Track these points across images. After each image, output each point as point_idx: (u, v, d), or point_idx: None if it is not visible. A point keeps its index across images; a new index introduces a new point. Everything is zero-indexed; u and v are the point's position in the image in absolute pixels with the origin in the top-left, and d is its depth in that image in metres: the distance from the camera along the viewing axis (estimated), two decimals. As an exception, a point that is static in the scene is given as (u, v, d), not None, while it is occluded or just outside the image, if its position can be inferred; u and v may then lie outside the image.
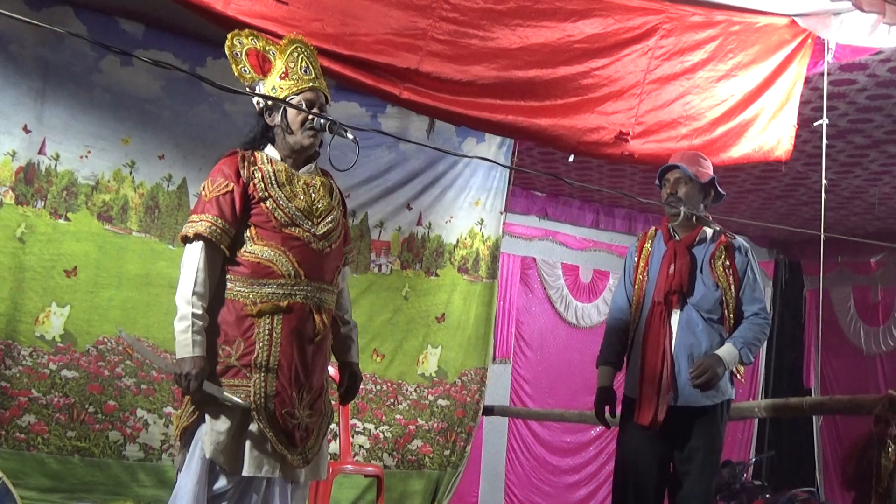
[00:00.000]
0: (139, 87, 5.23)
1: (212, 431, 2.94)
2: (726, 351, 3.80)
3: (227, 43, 3.17)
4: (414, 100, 4.01)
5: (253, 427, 2.97)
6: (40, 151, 4.97)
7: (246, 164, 3.08)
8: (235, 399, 2.94)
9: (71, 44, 4.97)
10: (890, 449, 3.96)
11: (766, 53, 4.66)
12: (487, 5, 4.01)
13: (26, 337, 4.90)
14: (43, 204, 4.97)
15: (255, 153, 3.14)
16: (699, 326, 3.85)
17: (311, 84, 3.17)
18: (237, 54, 3.18)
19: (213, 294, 3.03)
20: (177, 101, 5.33)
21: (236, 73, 3.20)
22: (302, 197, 3.13)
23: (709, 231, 3.97)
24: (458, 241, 6.47)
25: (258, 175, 3.07)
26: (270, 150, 3.19)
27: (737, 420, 8.50)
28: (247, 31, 3.23)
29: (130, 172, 5.23)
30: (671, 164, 4.01)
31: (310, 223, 3.12)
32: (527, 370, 8.63)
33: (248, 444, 2.97)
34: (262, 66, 3.19)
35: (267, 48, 3.19)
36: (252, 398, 2.96)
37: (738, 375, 3.98)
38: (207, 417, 2.96)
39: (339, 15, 3.77)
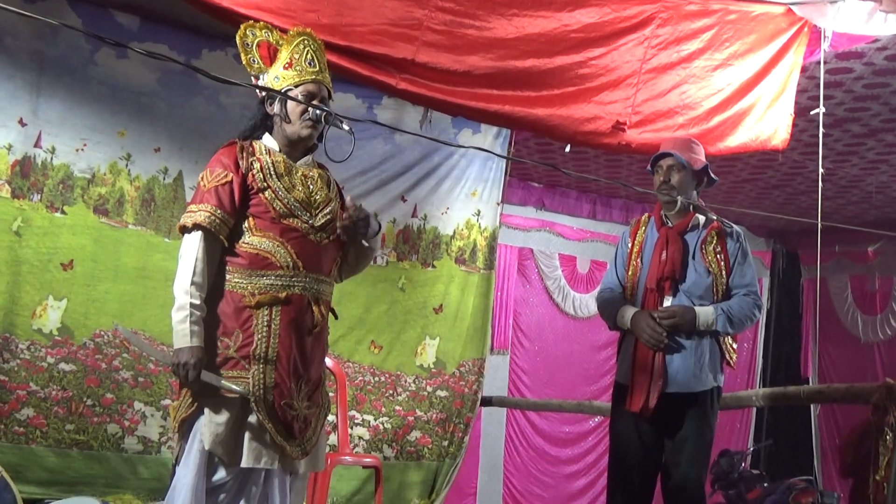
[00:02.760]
0: (135, 79, 5.21)
1: (210, 423, 2.93)
2: (703, 309, 3.82)
3: (240, 32, 3.15)
4: (410, 90, 4.00)
5: (252, 418, 2.97)
6: (36, 145, 4.96)
7: (244, 154, 3.07)
8: (234, 387, 2.94)
9: (66, 36, 4.95)
10: (888, 437, 3.98)
11: (762, 42, 4.65)
12: (483, -6, 4.01)
13: (23, 330, 4.90)
14: (39, 197, 4.96)
15: (254, 143, 3.13)
16: None
17: (313, 76, 3.16)
18: (248, 44, 3.17)
19: (212, 285, 3.02)
20: (172, 94, 5.32)
21: (244, 62, 3.18)
22: (300, 188, 3.12)
23: (701, 217, 3.97)
24: (454, 233, 6.47)
25: (257, 165, 3.06)
26: (268, 140, 3.18)
27: (735, 409, 8.55)
28: (261, 23, 3.21)
29: (126, 165, 5.22)
30: (664, 152, 4.01)
31: (308, 214, 3.11)
32: (525, 361, 8.64)
33: (246, 435, 2.96)
34: (272, 58, 3.18)
35: (280, 42, 3.18)
36: (251, 389, 2.96)
37: (729, 363, 3.98)
38: (206, 409, 2.95)
39: (334, 5, 3.76)
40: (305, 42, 3.16)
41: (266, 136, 3.19)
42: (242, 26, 3.17)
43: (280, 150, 3.17)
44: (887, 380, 4.07)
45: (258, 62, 3.19)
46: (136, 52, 2.71)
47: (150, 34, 5.16)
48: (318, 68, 3.18)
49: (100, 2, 5.02)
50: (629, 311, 3.94)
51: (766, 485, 7.30)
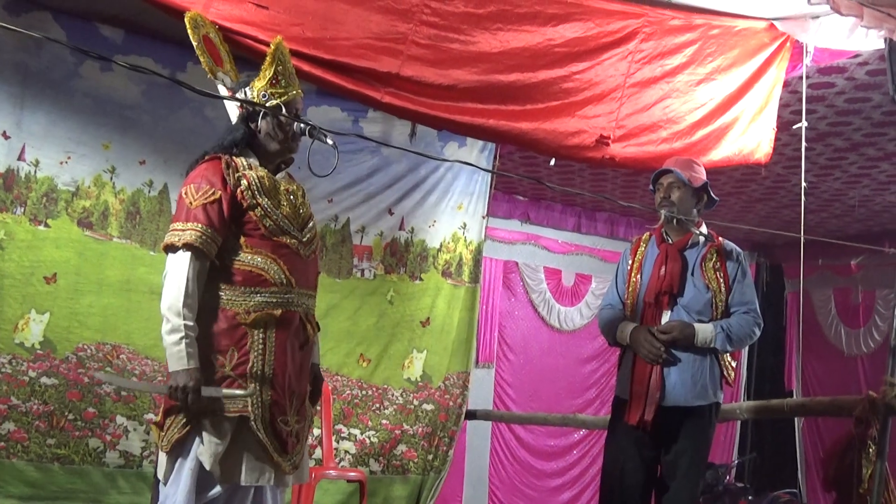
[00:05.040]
0: (119, 92, 5.19)
1: (210, 443, 2.91)
2: (702, 326, 3.84)
3: (192, 35, 3.16)
4: (395, 104, 4.00)
5: (249, 436, 2.96)
6: (20, 157, 4.93)
7: (230, 170, 3.03)
8: (238, 392, 2.93)
9: (50, 49, 4.94)
10: (870, 450, 3.99)
11: (745, 57, 4.68)
12: (468, 9, 4.01)
13: (5, 344, 4.86)
14: (22, 210, 4.94)
15: (235, 159, 3.11)
16: None
17: (295, 90, 3.18)
18: (200, 45, 3.18)
19: (200, 303, 3.00)
20: (157, 107, 5.31)
21: (206, 68, 3.19)
22: (286, 204, 3.12)
23: (702, 236, 4.00)
24: (441, 246, 6.47)
25: (244, 182, 3.03)
26: (249, 156, 3.16)
27: (719, 422, 8.54)
28: (194, 12, 3.20)
29: (111, 178, 5.21)
30: (665, 169, 4.05)
31: (297, 230, 3.12)
32: (510, 374, 8.65)
33: (246, 453, 2.96)
34: (216, 54, 3.19)
35: (211, 33, 3.19)
36: (250, 408, 2.95)
37: (727, 380, 4.00)
38: (206, 430, 2.93)
39: (319, 19, 3.76)
40: (282, 53, 3.16)
41: (247, 151, 3.17)
42: (189, 29, 3.15)
43: (260, 166, 3.16)
44: (870, 393, 4.08)
45: (211, 63, 3.19)
46: (120, 65, 2.70)
47: (135, 47, 5.15)
48: (295, 81, 3.19)
49: (84, 15, 5.01)
50: (628, 327, 3.96)
51: (750, 497, 7.32)
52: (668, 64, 4.55)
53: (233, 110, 3.25)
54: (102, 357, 5.08)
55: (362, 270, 6.15)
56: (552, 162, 5.76)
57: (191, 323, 2.89)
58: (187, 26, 3.17)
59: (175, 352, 2.86)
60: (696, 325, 3.83)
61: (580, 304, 9.11)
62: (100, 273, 5.13)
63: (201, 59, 3.19)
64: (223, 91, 3.22)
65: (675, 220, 3.96)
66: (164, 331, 2.89)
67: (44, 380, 4.95)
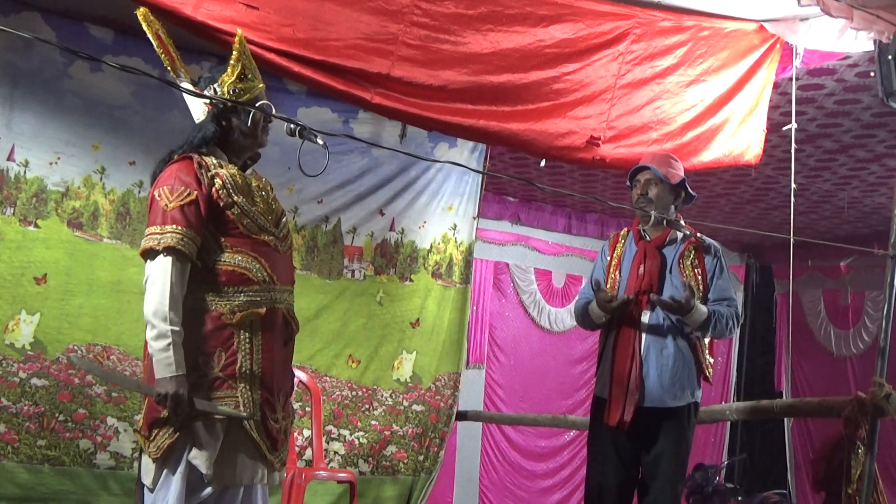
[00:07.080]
0: (109, 93, 5.18)
1: (205, 447, 2.90)
2: (701, 306, 3.82)
3: (146, 30, 3.14)
4: (385, 105, 4.00)
5: (243, 437, 2.96)
6: (9, 158, 4.92)
7: (203, 170, 3.01)
8: (229, 411, 2.92)
9: (40, 50, 4.92)
10: (859, 450, 4.01)
11: (735, 58, 4.69)
12: (458, 10, 4.01)
13: (-5, 345, 4.86)
14: (12, 211, 4.92)
15: (205, 158, 3.07)
16: (667, 327, 3.87)
17: (261, 83, 3.18)
18: (155, 39, 3.16)
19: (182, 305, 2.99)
20: (147, 107, 5.29)
21: (164, 62, 3.18)
22: (259, 201, 3.12)
23: (679, 232, 4.00)
24: (431, 246, 6.47)
25: (218, 182, 3.01)
26: (218, 154, 3.14)
27: (709, 423, 8.58)
28: (142, 9, 3.18)
29: (101, 179, 5.19)
30: (641, 166, 4.05)
31: (274, 227, 3.12)
32: (500, 375, 8.65)
33: (239, 453, 2.95)
34: (165, 50, 3.17)
35: (156, 28, 3.17)
36: (241, 408, 2.94)
37: (706, 376, 4.00)
38: (199, 434, 2.91)
39: (309, 20, 3.75)
40: (246, 48, 3.14)
41: (214, 149, 3.15)
42: (144, 25, 3.13)
43: (229, 163, 3.14)
44: (859, 394, 4.10)
45: (170, 60, 3.18)
46: (110, 65, 2.69)
47: (124, 48, 5.13)
48: (258, 73, 3.19)
49: (74, 15, 5.00)
50: (595, 303, 3.98)
51: (740, 498, 7.31)
52: (659, 65, 4.55)
53: (195, 107, 3.22)
54: (93, 358, 5.07)
55: (353, 271, 6.15)
56: (542, 163, 5.76)
57: (177, 328, 2.87)
58: (142, 23, 3.14)
59: (162, 358, 2.84)
60: (697, 304, 3.81)
61: (570, 305, 9.09)
62: (90, 274, 5.12)
63: (161, 56, 3.18)
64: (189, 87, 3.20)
65: (652, 219, 3.97)
66: (150, 337, 2.87)
67: (34, 381, 4.94)
